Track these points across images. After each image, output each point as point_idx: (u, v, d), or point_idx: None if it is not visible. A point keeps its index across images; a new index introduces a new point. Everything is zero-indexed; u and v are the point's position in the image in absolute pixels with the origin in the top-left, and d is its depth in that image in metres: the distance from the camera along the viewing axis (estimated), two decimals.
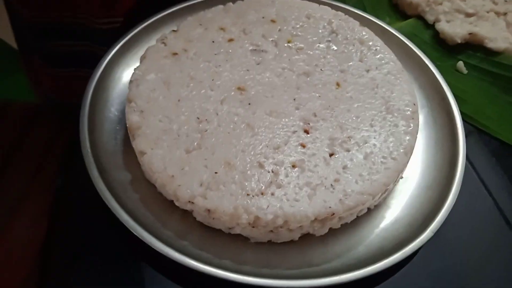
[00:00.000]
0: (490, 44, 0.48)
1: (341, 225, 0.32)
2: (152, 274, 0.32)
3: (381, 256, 0.30)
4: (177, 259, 0.29)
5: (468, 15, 0.51)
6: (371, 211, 0.34)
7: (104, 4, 0.51)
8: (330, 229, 0.32)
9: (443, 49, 0.49)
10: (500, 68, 0.47)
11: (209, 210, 0.30)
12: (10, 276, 0.47)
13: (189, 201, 0.31)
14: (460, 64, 0.48)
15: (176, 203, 0.32)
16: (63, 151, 0.47)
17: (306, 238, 0.32)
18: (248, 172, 0.32)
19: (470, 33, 0.49)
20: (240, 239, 0.32)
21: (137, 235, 0.30)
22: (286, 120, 0.35)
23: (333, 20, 0.42)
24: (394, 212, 0.34)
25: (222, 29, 0.41)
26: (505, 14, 0.51)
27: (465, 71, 0.48)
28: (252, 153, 0.33)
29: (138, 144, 0.33)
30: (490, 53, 0.48)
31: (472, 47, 0.49)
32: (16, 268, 0.48)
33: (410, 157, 0.35)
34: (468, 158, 0.40)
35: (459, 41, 0.49)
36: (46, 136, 0.57)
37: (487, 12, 0.51)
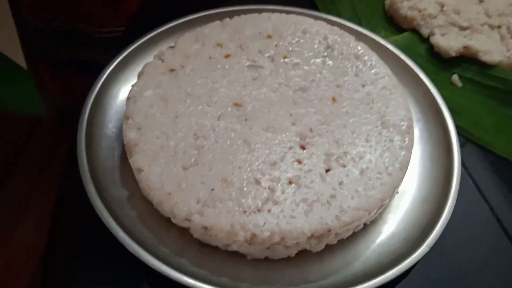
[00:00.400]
0: (485, 57, 0.49)
1: (338, 241, 0.32)
2: None
3: (378, 271, 0.31)
4: (174, 277, 0.29)
5: (463, 28, 0.51)
6: (368, 226, 0.34)
7: (107, 4, 0.52)
8: (327, 245, 0.32)
9: (438, 62, 0.50)
10: (495, 81, 0.48)
11: (206, 228, 0.30)
12: (13, 280, 0.48)
13: (186, 219, 0.31)
14: (455, 77, 0.48)
15: (173, 220, 0.32)
16: (64, 159, 0.47)
17: (303, 254, 0.32)
18: (245, 188, 0.32)
19: (464, 46, 0.49)
20: (237, 256, 0.32)
21: (134, 253, 0.30)
22: (283, 135, 0.35)
23: (328, 35, 0.43)
24: (391, 227, 0.34)
25: (219, 44, 0.42)
26: (499, 27, 0.52)
27: (459, 84, 0.48)
28: (248, 169, 0.33)
29: (136, 161, 0.33)
30: (484, 66, 0.49)
31: (467, 60, 0.49)
32: (19, 273, 0.48)
33: (405, 172, 0.35)
34: (466, 168, 0.40)
35: (453, 54, 0.49)
36: (48, 144, 0.58)
37: (481, 25, 0.51)
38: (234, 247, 0.31)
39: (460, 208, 0.35)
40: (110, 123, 0.38)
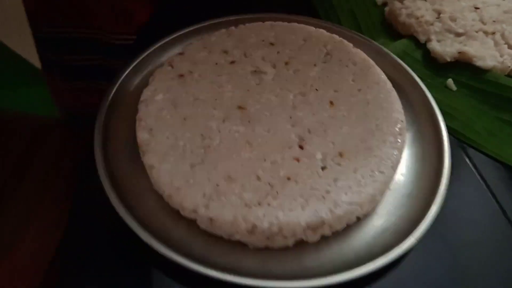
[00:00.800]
0: (479, 63, 0.51)
1: (332, 233, 0.35)
2: (161, 278, 0.35)
3: (369, 261, 0.33)
4: (183, 263, 0.32)
5: (458, 34, 0.54)
6: (361, 220, 0.37)
7: (120, 20, 0.55)
8: (323, 236, 0.35)
9: (434, 67, 0.52)
10: (487, 85, 0.50)
11: (211, 219, 0.33)
12: (22, 284, 0.50)
13: (193, 211, 0.34)
14: (450, 81, 0.50)
15: (182, 213, 0.35)
16: (77, 162, 0.50)
17: (300, 244, 0.35)
18: (247, 184, 0.35)
19: (459, 52, 0.51)
20: (240, 245, 0.34)
21: (147, 242, 0.33)
22: (283, 136, 0.38)
23: (328, 43, 0.46)
24: (382, 220, 0.37)
25: (225, 52, 0.45)
26: (493, 33, 0.54)
27: (454, 88, 0.50)
28: (251, 167, 0.36)
29: (147, 159, 0.37)
30: (478, 71, 0.51)
31: (462, 65, 0.52)
32: (27, 279, 0.51)
33: (396, 171, 0.38)
34: (473, 163, 0.43)
35: (448, 60, 0.51)
36: (60, 147, 0.61)
37: (476, 31, 0.54)
38: (237, 237, 0.34)
39: (466, 203, 0.38)
40: (124, 125, 0.41)
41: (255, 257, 0.34)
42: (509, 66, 0.51)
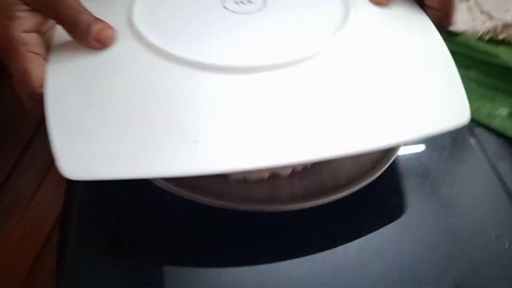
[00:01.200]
0: (452, 26, 0.56)
1: (302, 168, 0.41)
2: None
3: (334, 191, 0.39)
4: (178, 192, 0.39)
5: None
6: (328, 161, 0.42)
7: None
8: (293, 170, 0.41)
9: None
10: (458, 47, 0.54)
11: None
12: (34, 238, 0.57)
13: None
14: None
15: None
16: None
17: (274, 177, 0.40)
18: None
19: None
20: (223, 176, 0.40)
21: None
22: None
23: None
24: (349, 160, 0.42)
25: None
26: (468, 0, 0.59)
27: None
28: None
29: None
30: (452, 34, 0.55)
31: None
32: (39, 231, 0.58)
33: None
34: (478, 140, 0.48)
35: None
36: None
37: None
38: None
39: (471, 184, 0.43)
40: None
41: (235, 186, 0.40)
42: (479, 31, 0.55)
